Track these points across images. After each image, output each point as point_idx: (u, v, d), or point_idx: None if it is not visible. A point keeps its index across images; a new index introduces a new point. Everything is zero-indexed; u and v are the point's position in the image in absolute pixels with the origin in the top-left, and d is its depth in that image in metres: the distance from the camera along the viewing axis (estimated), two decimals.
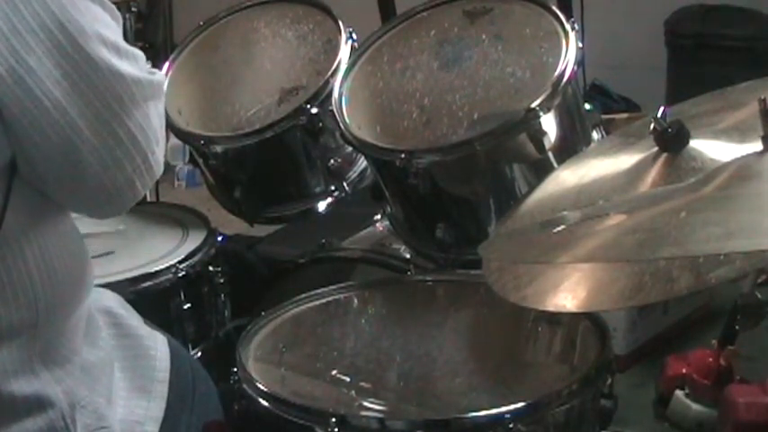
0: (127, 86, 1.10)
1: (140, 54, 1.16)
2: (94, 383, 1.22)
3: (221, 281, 1.83)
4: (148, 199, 2.39)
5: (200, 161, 1.94)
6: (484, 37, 1.74)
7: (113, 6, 1.14)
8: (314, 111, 1.79)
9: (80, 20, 1.07)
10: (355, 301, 1.54)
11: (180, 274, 1.74)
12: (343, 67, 1.80)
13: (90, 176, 1.11)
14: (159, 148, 1.17)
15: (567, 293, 1.22)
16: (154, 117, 1.15)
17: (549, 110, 1.60)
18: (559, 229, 1.14)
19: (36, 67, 1.05)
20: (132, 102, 1.11)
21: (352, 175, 1.92)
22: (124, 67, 1.10)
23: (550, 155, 1.62)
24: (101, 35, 1.09)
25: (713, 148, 1.30)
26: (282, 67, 1.92)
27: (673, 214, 1.01)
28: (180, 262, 1.76)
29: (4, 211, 1.09)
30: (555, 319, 1.38)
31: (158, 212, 2.00)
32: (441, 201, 1.69)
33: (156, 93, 1.16)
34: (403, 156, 1.61)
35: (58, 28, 1.06)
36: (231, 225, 2.13)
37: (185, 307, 1.76)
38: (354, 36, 1.87)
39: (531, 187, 1.54)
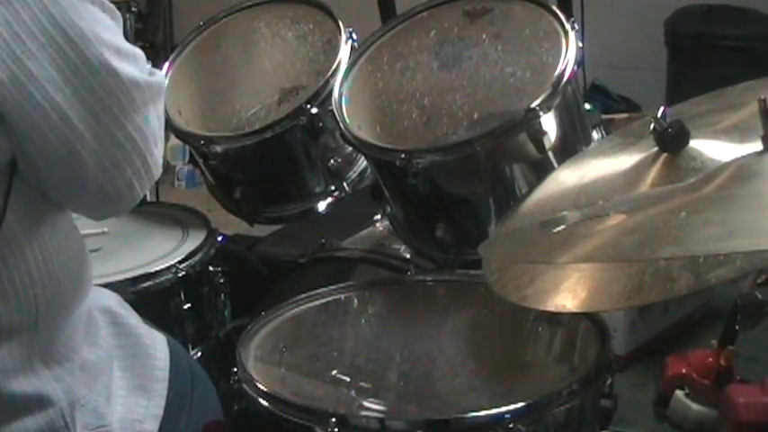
0: (127, 90, 1.10)
1: (140, 54, 1.16)
2: (94, 382, 1.22)
3: (221, 281, 1.83)
4: (148, 199, 2.39)
5: (201, 161, 1.94)
6: (484, 37, 1.74)
7: (113, 6, 1.14)
8: (314, 111, 1.79)
9: (80, 23, 1.07)
10: (355, 301, 1.54)
11: (180, 274, 1.74)
12: (343, 67, 1.80)
13: (90, 179, 1.11)
14: (158, 149, 1.17)
15: (567, 293, 1.22)
16: (153, 119, 1.15)
17: (549, 110, 1.60)
18: (559, 229, 1.14)
19: (37, 72, 1.05)
20: (132, 106, 1.11)
21: (352, 175, 1.92)
22: (124, 70, 1.10)
23: (550, 155, 1.62)
24: (101, 38, 1.08)
25: (713, 148, 1.30)
26: (282, 67, 1.92)
27: (673, 214, 1.01)
28: (180, 262, 1.75)
29: (5, 211, 1.09)
30: (555, 319, 1.38)
31: (158, 212, 2.00)
32: (441, 201, 1.69)
33: (156, 95, 1.16)
34: (403, 156, 1.61)
35: (59, 32, 1.06)
36: (231, 225, 2.13)
37: (185, 307, 1.76)
38: (354, 36, 1.87)
39: (531, 187, 1.54)
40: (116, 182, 1.12)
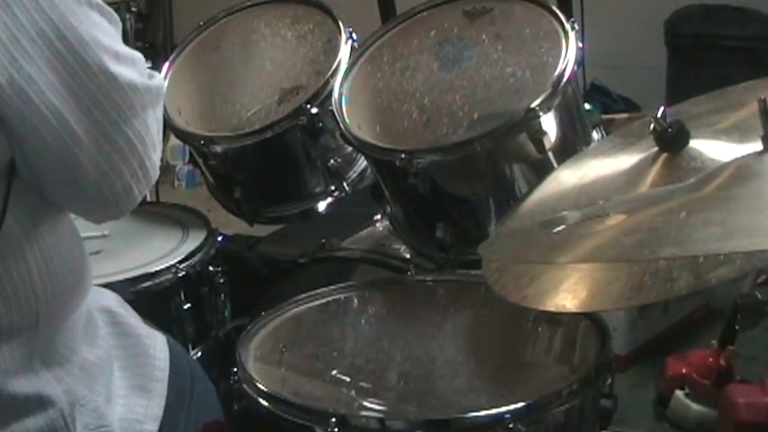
0: (125, 95, 1.10)
1: (139, 57, 1.15)
2: (94, 382, 1.22)
3: (221, 281, 1.83)
4: (148, 199, 2.39)
5: (200, 161, 1.94)
6: (484, 37, 1.74)
7: (111, 10, 1.14)
8: (314, 111, 1.79)
9: (78, 27, 1.06)
10: (355, 301, 1.54)
11: (180, 274, 1.74)
12: (343, 67, 1.80)
13: (88, 183, 1.11)
14: (156, 152, 1.17)
15: (567, 293, 1.22)
16: (152, 123, 1.15)
17: (549, 110, 1.60)
18: (559, 229, 1.14)
19: (35, 77, 1.04)
20: (131, 110, 1.11)
21: (352, 175, 1.92)
22: (123, 74, 1.10)
23: (550, 155, 1.62)
24: (99, 42, 1.08)
25: (713, 148, 1.30)
26: (282, 67, 1.92)
27: (673, 214, 1.01)
28: (180, 262, 1.75)
29: (4, 212, 1.09)
30: (555, 319, 1.38)
31: (158, 212, 2.00)
32: (441, 201, 1.69)
33: (155, 99, 1.16)
34: (403, 156, 1.61)
35: (57, 36, 1.05)
36: (231, 225, 2.13)
37: (185, 307, 1.76)
38: (354, 36, 1.87)
39: (531, 187, 1.54)
40: (114, 186, 1.12)
